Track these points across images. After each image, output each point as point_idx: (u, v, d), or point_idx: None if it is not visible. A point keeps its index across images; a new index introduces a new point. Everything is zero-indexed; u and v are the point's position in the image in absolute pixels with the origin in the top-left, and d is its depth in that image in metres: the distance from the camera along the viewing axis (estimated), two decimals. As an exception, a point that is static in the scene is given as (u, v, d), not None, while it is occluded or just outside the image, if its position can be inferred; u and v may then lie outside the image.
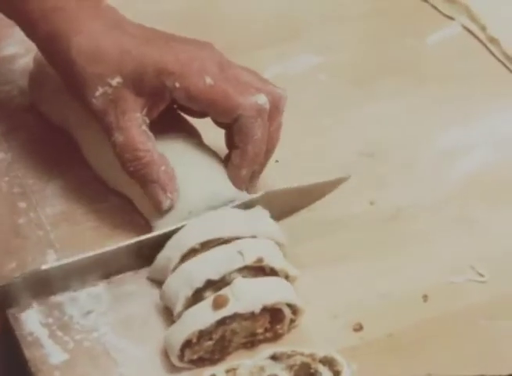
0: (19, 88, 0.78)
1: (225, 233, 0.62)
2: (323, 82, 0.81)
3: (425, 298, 0.64)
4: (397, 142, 0.76)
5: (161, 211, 0.65)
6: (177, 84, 0.64)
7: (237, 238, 0.62)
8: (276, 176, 0.71)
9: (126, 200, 0.70)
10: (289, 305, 0.61)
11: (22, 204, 0.70)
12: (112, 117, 0.65)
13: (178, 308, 0.60)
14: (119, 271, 0.65)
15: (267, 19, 0.86)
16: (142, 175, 0.65)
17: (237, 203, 0.65)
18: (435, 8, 0.87)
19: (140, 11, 0.79)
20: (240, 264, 0.60)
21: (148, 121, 0.66)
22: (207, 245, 0.62)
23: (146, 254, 0.65)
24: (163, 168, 0.65)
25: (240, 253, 0.61)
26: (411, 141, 0.76)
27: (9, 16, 0.69)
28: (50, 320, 0.62)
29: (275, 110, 0.66)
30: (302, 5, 0.87)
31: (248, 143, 0.65)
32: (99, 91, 0.65)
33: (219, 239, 0.62)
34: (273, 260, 0.61)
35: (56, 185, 0.71)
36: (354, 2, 0.88)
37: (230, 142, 0.67)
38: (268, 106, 0.65)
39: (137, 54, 0.65)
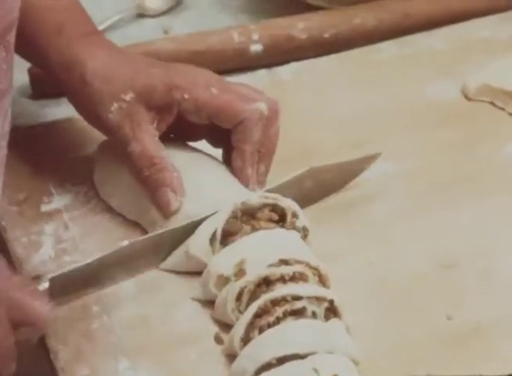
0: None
1: (301, 349, 0.61)
2: (396, 189, 0.80)
3: (504, 418, 0.62)
4: (473, 252, 0.74)
5: (169, 213, 0.72)
6: (186, 96, 0.72)
7: (313, 353, 0.61)
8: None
9: (203, 304, 0.69)
10: (364, 425, 0.59)
11: (95, 308, 0.70)
12: (128, 129, 0.73)
13: (251, 424, 0.59)
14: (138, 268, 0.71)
15: (341, 125, 0.86)
16: (156, 180, 0.72)
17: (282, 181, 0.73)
18: (512, 116, 0.87)
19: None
20: (316, 381, 0.59)
21: (158, 135, 0.73)
22: (282, 359, 0.61)
23: (164, 250, 0.71)
24: (175, 174, 0.72)
25: (315, 370, 0.59)
26: (488, 251, 0.74)
27: (25, 55, 0.77)
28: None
29: (273, 116, 0.74)
30: (377, 111, 0.87)
31: (246, 143, 0.73)
32: (114, 106, 0.72)
33: (296, 355, 0.61)
34: (348, 377, 0.60)
35: (130, 286, 0.71)
36: (429, 109, 0.87)
37: (228, 159, 0.75)
38: (267, 113, 0.73)
39: (146, 73, 0.73)
